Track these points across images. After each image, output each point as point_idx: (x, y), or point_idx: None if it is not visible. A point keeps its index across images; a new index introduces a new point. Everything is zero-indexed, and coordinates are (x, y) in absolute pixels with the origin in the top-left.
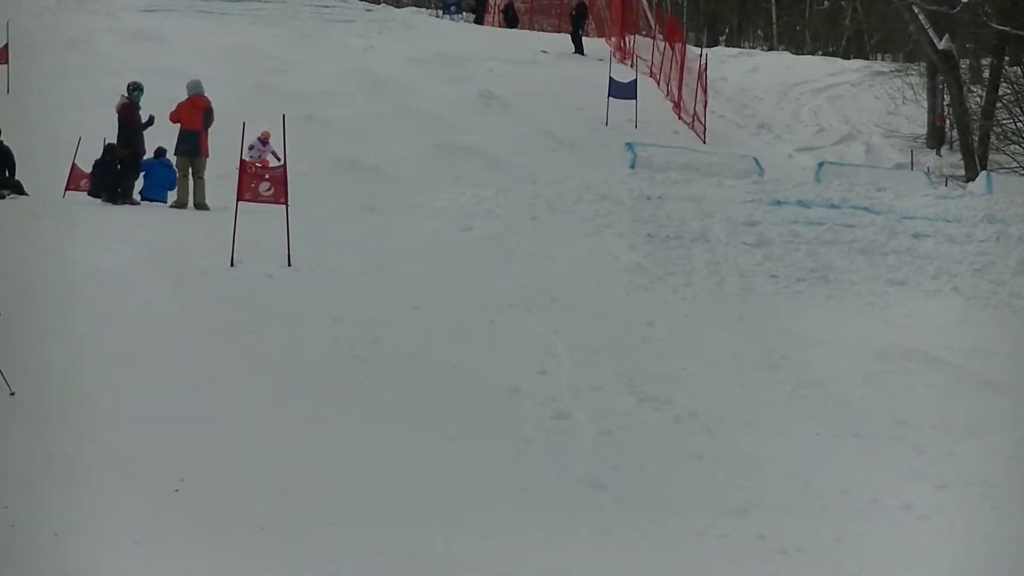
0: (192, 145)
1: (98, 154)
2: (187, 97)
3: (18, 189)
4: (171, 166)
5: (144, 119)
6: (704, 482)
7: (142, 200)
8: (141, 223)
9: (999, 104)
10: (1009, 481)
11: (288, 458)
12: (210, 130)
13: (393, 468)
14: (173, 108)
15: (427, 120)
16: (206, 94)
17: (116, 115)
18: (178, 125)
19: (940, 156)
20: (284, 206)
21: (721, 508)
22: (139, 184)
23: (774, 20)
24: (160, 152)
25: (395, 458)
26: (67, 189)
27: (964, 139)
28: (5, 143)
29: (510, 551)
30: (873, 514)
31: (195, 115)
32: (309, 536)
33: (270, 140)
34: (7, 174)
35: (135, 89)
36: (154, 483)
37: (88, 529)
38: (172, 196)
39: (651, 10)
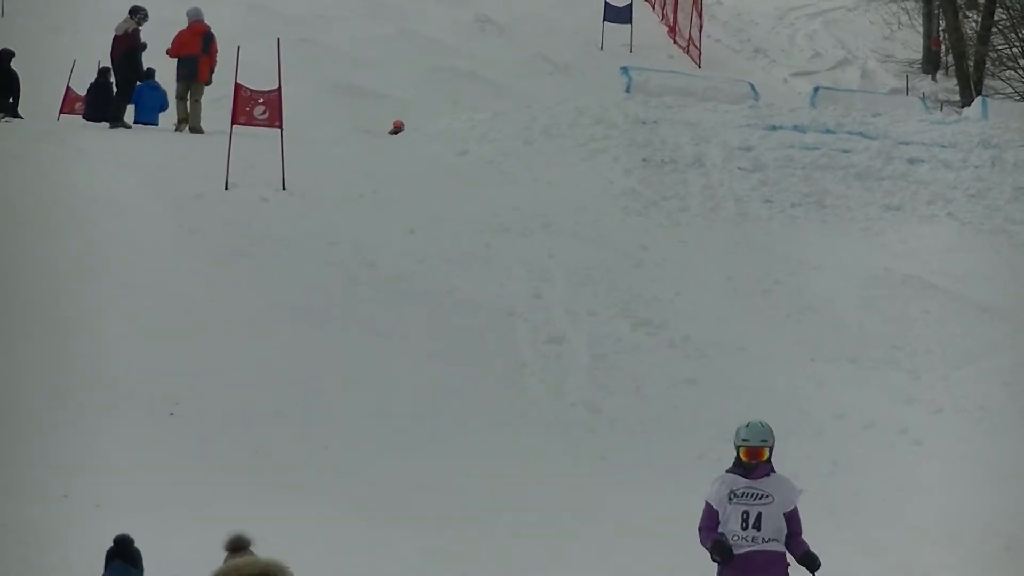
0: (191, 70)
1: (93, 77)
2: (187, 24)
3: (13, 112)
4: (159, 88)
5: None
6: (699, 406)
7: (134, 123)
8: (136, 146)
9: (995, 29)
10: (1003, 406)
11: (283, 382)
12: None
13: (390, 392)
14: (172, 40)
15: (424, 44)
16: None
17: (116, 39)
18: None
19: (935, 81)
20: (279, 129)
21: (716, 432)
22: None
23: None
24: (149, 74)
25: (392, 382)
26: (62, 112)
27: (960, 64)
28: (12, 68)
29: (507, 475)
30: (868, 439)
31: (194, 41)
32: (304, 460)
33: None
34: (11, 100)
35: (137, 12)
36: (149, 406)
37: (84, 451)
38: (163, 118)
39: None
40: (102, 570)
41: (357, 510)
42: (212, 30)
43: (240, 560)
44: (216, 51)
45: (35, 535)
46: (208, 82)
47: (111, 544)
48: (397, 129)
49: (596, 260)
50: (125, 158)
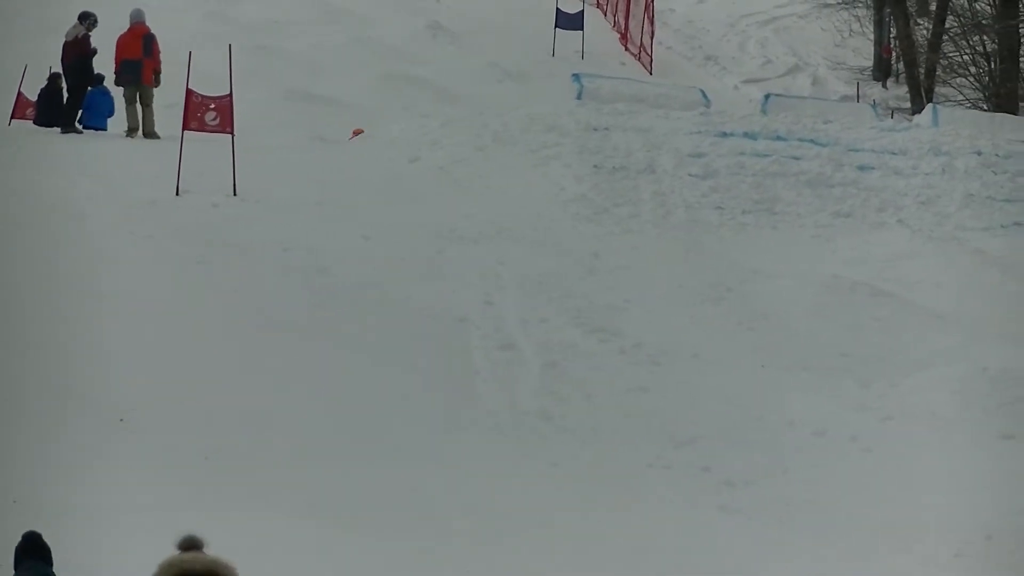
0: (133, 74)
1: (44, 83)
2: (128, 27)
3: None
4: (108, 93)
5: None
6: (650, 413)
7: (84, 128)
8: (88, 152)
9: (945, 36)
10: (954, 413)
11: (236, 389)
12: (161, 58)
13: (343, 399)
14: (115, 45)
15: (377, 51)
16: (153, 23)
17: (67, 45)
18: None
19: (886, 88)
20: (230, 135)
21: (667, 439)
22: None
23: None
24: (99, 79)
25: (345, 389)
26: (13, 118)
27: (911, 71)
28: None
29: (461, 482)
30: (819, 446)
31: (135, 43)
32: (255, 467)
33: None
34: None
35: (87, 18)
36: (100, 413)
37: (33, 457)
38: (111, 124)
39: None
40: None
41: (310, 516)
42: (152, 31)
43: (187, 555)
44: (159, 52)
45: None
46: (155, 84)
47: (20, 540)
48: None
49: (548, 267)
50: (77, 164)
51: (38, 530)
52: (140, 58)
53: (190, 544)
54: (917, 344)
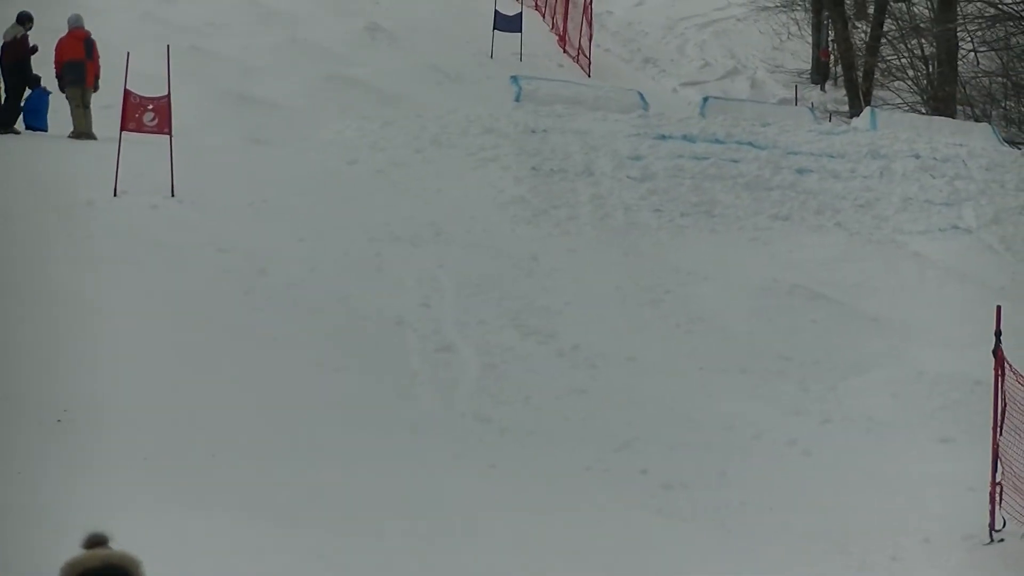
0: (78, 75)
1: None
2: (67, 31)
3: None
4: (47, 93)
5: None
6: (588, 416)
7: (25, 129)
8: (26, 153)
9: (883, 40)
10: (891, 416)
11: (173, 390)
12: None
13: (280, 400)
14: (55, 48)
15: (315, 52)
16: (88, 22)
17: (5, 45)
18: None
19: (824, 92)
20: (168, 136)
21: (605, 442)
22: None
23: None
24: (35, 80)
25: (282, 390)
26: None
27: (848, 75)
28: None
29: (398, 483)
30: (757, 449)
31: (77, 46)
32: (193, 467)
33: None
34: None
35: (27, 20)
36: (37, 414)
37: None
38: (49, 123)
39: None
40: None
41: (247, 516)
42: (92, 36)
43: (86, 553)
44: (98, 56)
45: None
46: (95, 88)
47: None
48: None
49: (486, 269)
50: (15, 165)
51: None
52: (83, 59)
53: (95, 541)
54: (855, 347)
